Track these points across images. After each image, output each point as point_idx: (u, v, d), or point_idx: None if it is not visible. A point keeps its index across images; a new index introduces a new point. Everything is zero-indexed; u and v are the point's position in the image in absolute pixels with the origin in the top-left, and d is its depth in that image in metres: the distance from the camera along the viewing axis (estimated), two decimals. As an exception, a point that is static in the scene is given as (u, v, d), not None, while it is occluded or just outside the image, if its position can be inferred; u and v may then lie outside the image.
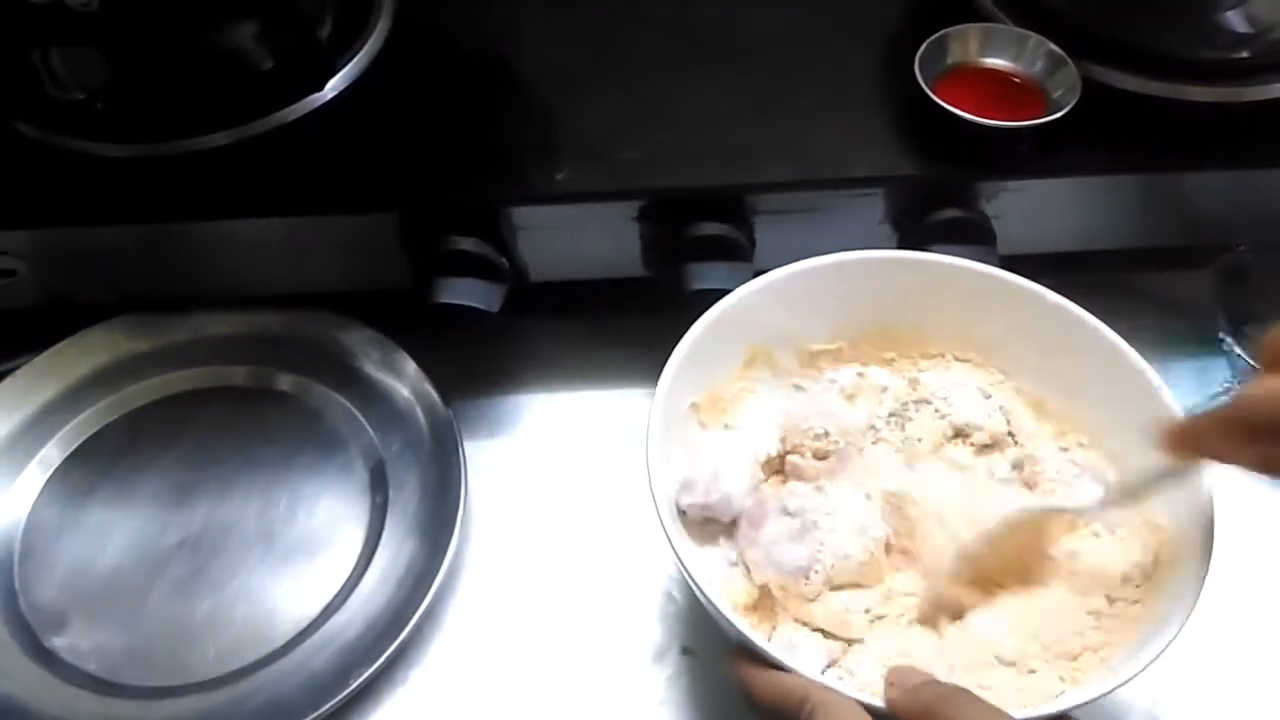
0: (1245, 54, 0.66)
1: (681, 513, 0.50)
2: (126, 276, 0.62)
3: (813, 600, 0.47)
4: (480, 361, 0.65)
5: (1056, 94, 0.60)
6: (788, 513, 0.49)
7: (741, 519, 0.50)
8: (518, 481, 0.60)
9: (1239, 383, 0.61)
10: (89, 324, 0.63)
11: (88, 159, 0.60)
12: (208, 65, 0.59)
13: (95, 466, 0.60)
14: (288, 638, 0.53)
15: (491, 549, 0.58)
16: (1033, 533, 0.48)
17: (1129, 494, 0.47)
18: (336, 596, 0.55)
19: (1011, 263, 0.55)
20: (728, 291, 0.53)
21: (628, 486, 0.59)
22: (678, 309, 0.58)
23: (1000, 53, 0.63)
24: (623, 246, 0.62)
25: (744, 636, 0.42)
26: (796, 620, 0.47)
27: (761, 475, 0.52)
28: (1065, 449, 0.53)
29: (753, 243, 0.60)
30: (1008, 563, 0.48)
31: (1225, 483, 0.46)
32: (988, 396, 0.53)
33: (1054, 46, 0.61)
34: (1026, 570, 0.48)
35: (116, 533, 0.57)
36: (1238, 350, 0.60)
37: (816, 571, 0.47)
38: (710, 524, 0.50)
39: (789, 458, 0.52)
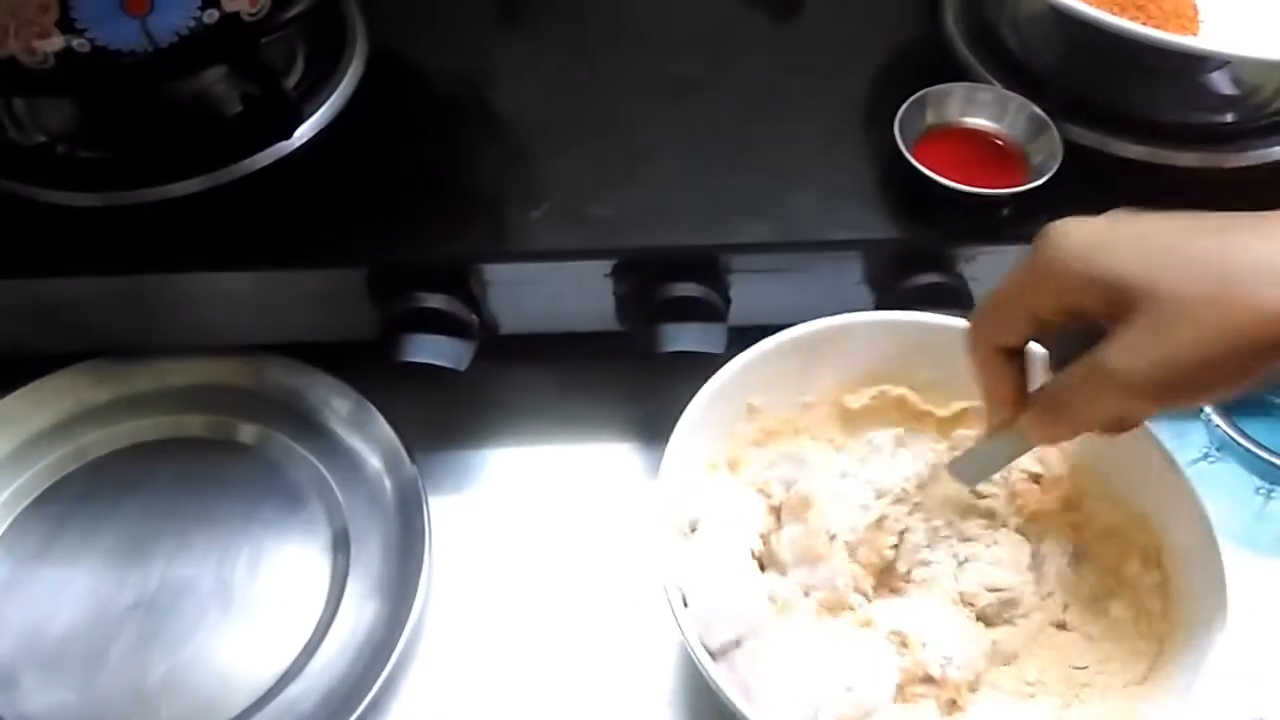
0: (1230, 117, 0.65)
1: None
2: (88, 328, 0.61)
3: None
4: (448, 412, 0.64)
5: (1038, 159, 0.59)
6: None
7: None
8: (483, 539, 0.59)
9: (1217, 449, 0.61)
10: (49, 370, 0.62)
11: (49, 208, 0.59)
12: (171, 112, 0.58)
13: (52, 520, 0.58)
14: (242, 708, 0.52)
15: (453, 612, 0.57)
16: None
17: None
18: (294, 664, 0.53)
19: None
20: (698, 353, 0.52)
21: (595, 547, 0.59)
22: (650, 363, 0.57)
23: (982, 114, 0.62)
24: (595, 303, 0.61)
25: None
26: None
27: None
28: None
29: (728, 302, 0.59)
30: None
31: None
32: None
33: (1036, 109, 0.60)
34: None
35: (71, 590, 0.56)
36: (1215, 419, 0.59)
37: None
38: None
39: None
